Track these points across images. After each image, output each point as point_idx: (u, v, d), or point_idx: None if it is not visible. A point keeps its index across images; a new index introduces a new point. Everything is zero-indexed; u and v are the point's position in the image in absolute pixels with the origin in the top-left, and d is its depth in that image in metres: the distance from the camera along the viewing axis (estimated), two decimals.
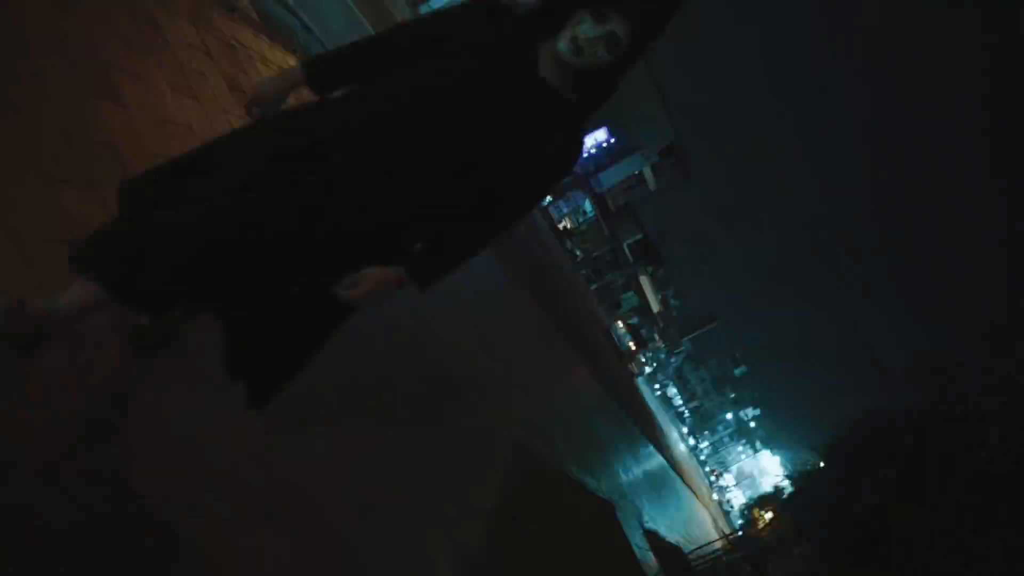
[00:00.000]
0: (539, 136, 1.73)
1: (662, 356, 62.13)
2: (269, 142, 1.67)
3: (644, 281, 48.00)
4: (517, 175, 1.75)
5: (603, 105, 1.78)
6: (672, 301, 61.93)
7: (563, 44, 1.67)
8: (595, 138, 36.33)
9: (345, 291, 1.71)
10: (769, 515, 18.27)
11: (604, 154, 38.38)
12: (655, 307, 50.47)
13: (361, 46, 1.78)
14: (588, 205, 40.33)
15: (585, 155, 40.32)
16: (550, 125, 1.73)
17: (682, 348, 66.61)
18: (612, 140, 37.26)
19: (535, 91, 1.72)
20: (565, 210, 37.41)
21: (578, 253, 39.76)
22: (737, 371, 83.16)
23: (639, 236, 44.81)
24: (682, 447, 45.40)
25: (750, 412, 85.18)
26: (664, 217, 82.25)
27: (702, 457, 75.86)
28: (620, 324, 39.32)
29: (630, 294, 48.32)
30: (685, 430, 67.20)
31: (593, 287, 41.48)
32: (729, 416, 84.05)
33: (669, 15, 1.67)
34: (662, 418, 38.16)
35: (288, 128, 1.70)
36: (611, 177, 39.54)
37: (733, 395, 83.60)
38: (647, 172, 41.72)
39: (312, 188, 1.63)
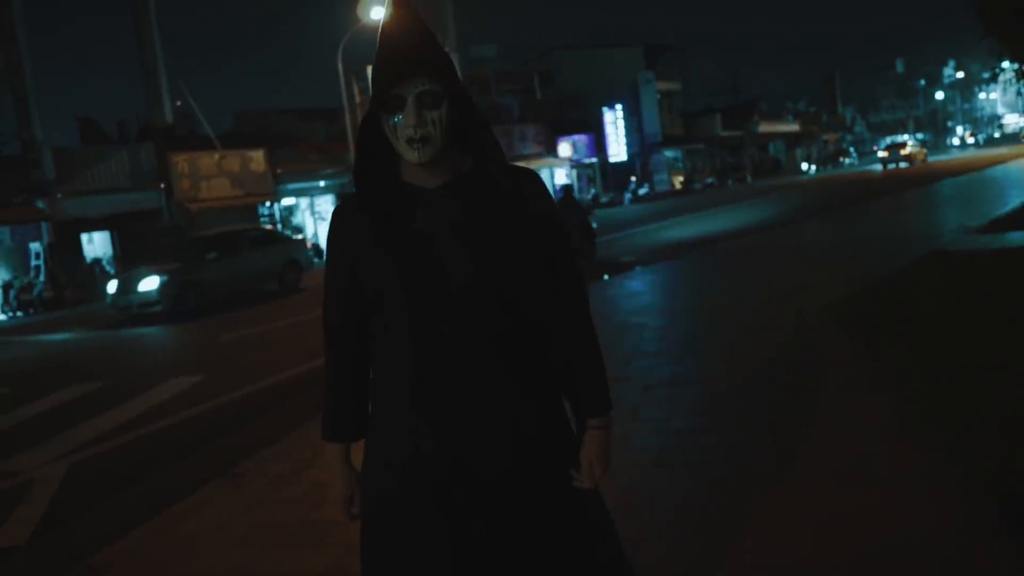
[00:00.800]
0: (507, 211, 1.61)
1: None
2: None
3: None
4: (530, 249, 1.62)
5: (485, 130, 1.64)
6: None
7: (408, 153, 1.56)
8: None
9: (586, 483, 1.66)
10: None
11: None
12: None
13: (335, 369, 1.71)
14: None
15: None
16: (496, 198, 1.61)
17: None
18: None
19: (451, 199, 1.60)
20: None
21: None
22: None
23: None
24: None
25: None
26: None
27: None
28: None
29: None
30: None
31: None
32: None
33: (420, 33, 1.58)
34: None
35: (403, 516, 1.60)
36: None
37: None
38: None
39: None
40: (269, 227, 23.69)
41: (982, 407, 3.95)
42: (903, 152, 43.95)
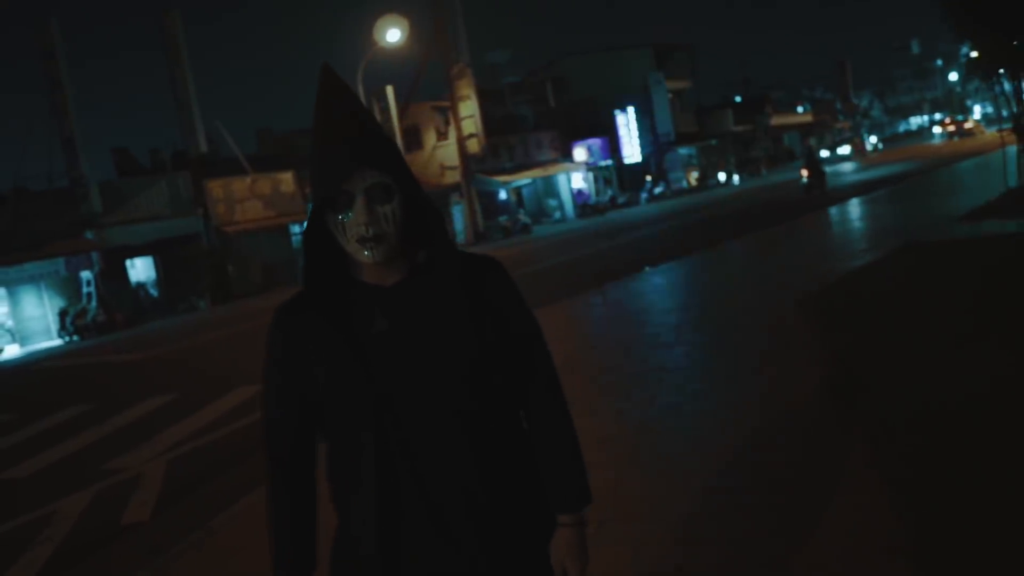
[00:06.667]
0: (470, 306, 1.49)
1: None
2: None
3: None
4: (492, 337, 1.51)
5: (437, 219, 1.49)
6: None
7: (359, 254, 1.43)
8: None
9: None
10: None
11: None
12: None
13: (285, 506, 1.54)
14: None
15: None
16: (458, 293, 1.49)
17: None
18: None
19: (411, 297, 1.48)
20: None
21: None
22: None
23: None
24: None
25: None
26: None
27: None
28: None
29: None
30: None
31: None
32: None
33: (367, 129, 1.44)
34: None
35: None
36: None
37: None
38: None
39: None
40: None
41: (886, 378, 5.00)
42: (966, 127, 55.13)
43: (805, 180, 24.16)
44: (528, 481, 1.54)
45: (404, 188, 1.44)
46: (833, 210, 17.69)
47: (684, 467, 4.15)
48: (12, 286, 22.96)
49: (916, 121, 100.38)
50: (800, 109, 69.89)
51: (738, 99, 61.79)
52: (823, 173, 23.83)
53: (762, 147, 56.85)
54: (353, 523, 1.49)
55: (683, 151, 48.56)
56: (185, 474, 6.31)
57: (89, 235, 23.64)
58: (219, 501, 5.25)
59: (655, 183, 43.62)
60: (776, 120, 60.02)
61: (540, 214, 38.99)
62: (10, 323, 23.05)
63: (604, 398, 5.79)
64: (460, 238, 32.87)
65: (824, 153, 58.84)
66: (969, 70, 14.31)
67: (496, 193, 36.15)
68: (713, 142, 51.26)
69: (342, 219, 1.41)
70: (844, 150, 57.40)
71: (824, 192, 22.80)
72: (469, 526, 1.45)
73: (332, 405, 1.48)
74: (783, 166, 55.04)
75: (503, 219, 33.93)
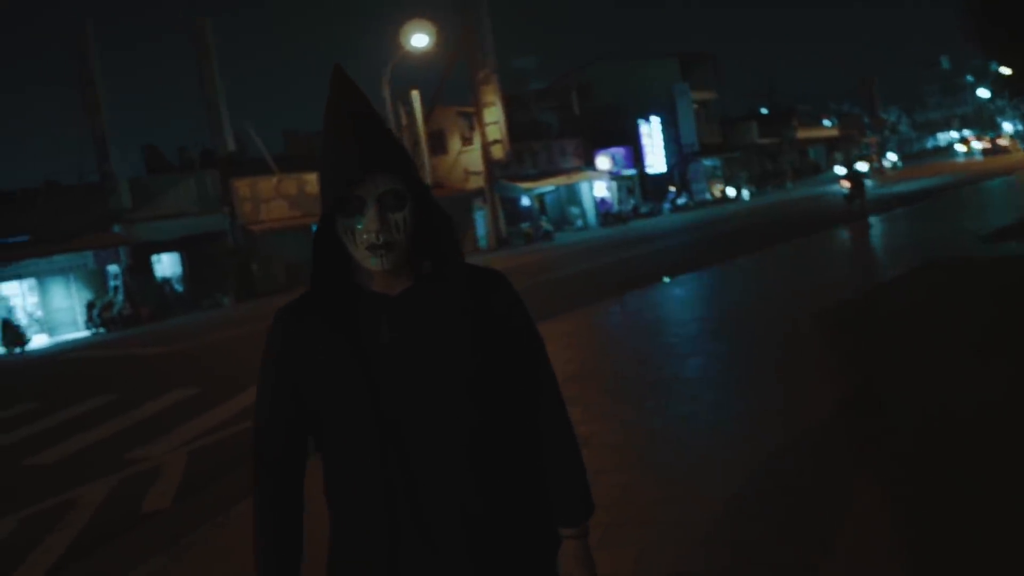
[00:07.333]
0: (475, 319, 1.47)
1: None
2: None
3: None
4: (500, 352, 1.49)
5: (447, 228, 1.47)
6: None
7: (368, 261, 1.40)
8: None
9: None
10: None
11: None
12: None
13: (274, 516, 1.51)
14: None
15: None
16: (464, 305, 1.46)
17: None
18: None
19: (417, 307, 1.45)
20: None
21: None
22: None
23: None
24: None
25: None
26: None
27: None
28: None
29: None
30: None
31: None
32: None
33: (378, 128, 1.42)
34: None
35: None
36: None
37: None
38: None
39: None
40: None
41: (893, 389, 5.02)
42: (1000, 143, 56.90)
43: (847, 191, 24.34)
44: (528, 496, 1.51)
45: (415, 193, 1.42)
46: (854, 226, 17.61)
47: (694, 475, 4.20)
48: (42, 277, 23.41)
49: (944, 137, 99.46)
50: (827, 123, 69.43)
51: (764, 111, 61.51)
52: (863, 185, 23.97)
53: (788, 160, 56.50)
54: (357, 533, 1.46)
55: (707, 162, 48.41)
56: (205, 466, 6.43)
57: (117, 230, 24.06)
58: (238, 493, 5.34)
59: (678, 194, 43.54)
60: (802, 133, 59.69)
61: (562, 221, 39.05)
62: (39, 313, 23.50)
63: (618, 406, 5.84)
64: (482, 243, 33.01)
65: (840, 170, 58.29)
66: (997, 88, 14.23)
67: (519, 199, 36.27)
68: (737, 154, 51.05)
69: (352, 224, 1.40)
70: (861, 167, 56.64)
71: (864, 203, 22.85)
72: (462, 539, 1.42)
73: (333, 414, 1.45)
74: (809, 179, 54.62)
75: (525, 225, 34.02)
